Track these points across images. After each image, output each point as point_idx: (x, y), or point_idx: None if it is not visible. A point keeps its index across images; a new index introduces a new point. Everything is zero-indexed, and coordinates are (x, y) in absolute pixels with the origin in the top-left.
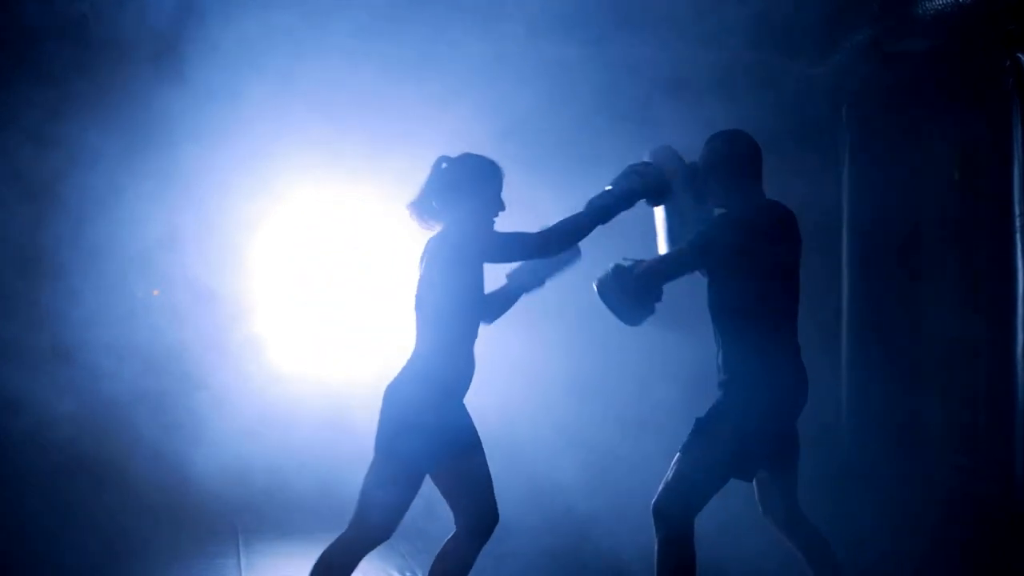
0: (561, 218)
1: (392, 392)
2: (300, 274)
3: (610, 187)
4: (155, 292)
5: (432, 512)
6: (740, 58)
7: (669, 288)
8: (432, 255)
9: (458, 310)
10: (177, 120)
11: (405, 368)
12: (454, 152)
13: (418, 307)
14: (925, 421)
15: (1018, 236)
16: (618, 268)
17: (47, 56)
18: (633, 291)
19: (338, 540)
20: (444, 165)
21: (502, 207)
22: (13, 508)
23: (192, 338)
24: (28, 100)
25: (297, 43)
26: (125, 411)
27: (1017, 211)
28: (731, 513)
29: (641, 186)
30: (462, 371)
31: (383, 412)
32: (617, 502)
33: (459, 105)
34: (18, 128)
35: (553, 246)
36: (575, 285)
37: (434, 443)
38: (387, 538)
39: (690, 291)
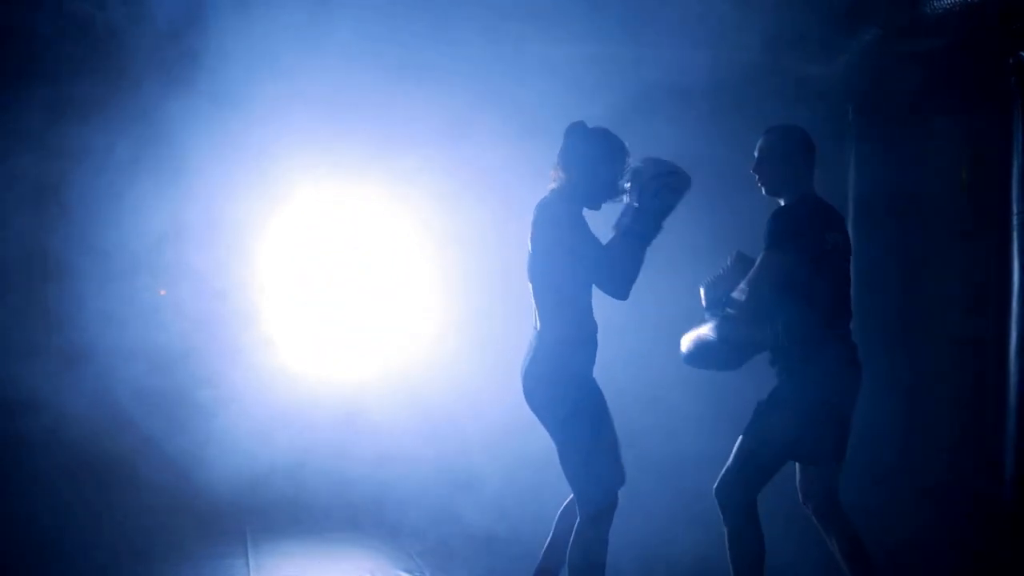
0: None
1: (548, 371)
2: (302, 274)
3: (638, 204)
4: (161, 292)
5: (444, 511)
6: (747, 58)
7: (682, 281)
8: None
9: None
10: (183, 121)
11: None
12: (455, 152)
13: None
14: (922, 417)
15: (1015, 234)
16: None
17: (54, 57)
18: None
19: (580, 535)
20: (587, 134)
21: (613, 194)
22: (22, 508)
23: (199, 338)
24: (35, 102)
25: (301, 43)
26: (133, 411)
27: (1015, 209)
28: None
29: (676, 202)
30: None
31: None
32: (641, 500)
33: (461, 106)
34: (25, 131)
35: (620, 288)
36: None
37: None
38: (616, 502)
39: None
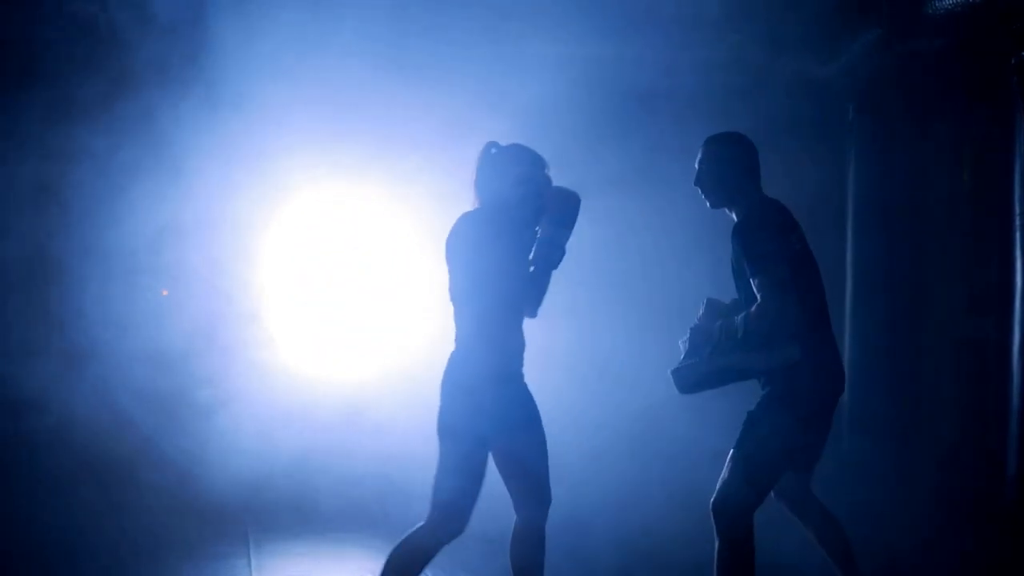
0: None
1: (443, 375)
2: (303, 274)
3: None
4: (164, 292)
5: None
6: (748, 58)
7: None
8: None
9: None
10: (184, 122)
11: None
12: (455, 152)
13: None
14: (924, 417)
15: (1018, 235)
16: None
17: (56, 60)
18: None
19: (412, 535)
20: (493, 151)
21: (533, 208)
22: (25, 508)
23: (200, 338)
24: (37, 104)
25: (302, 44)
26: (134, 412)
27: (1017, 210)
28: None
29: (539, 204)
30: (505, 351)
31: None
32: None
33: (461, 106)
34: (27, 133)
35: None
36: (594, 277)
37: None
38: (462, 529)
39: (707, 282)
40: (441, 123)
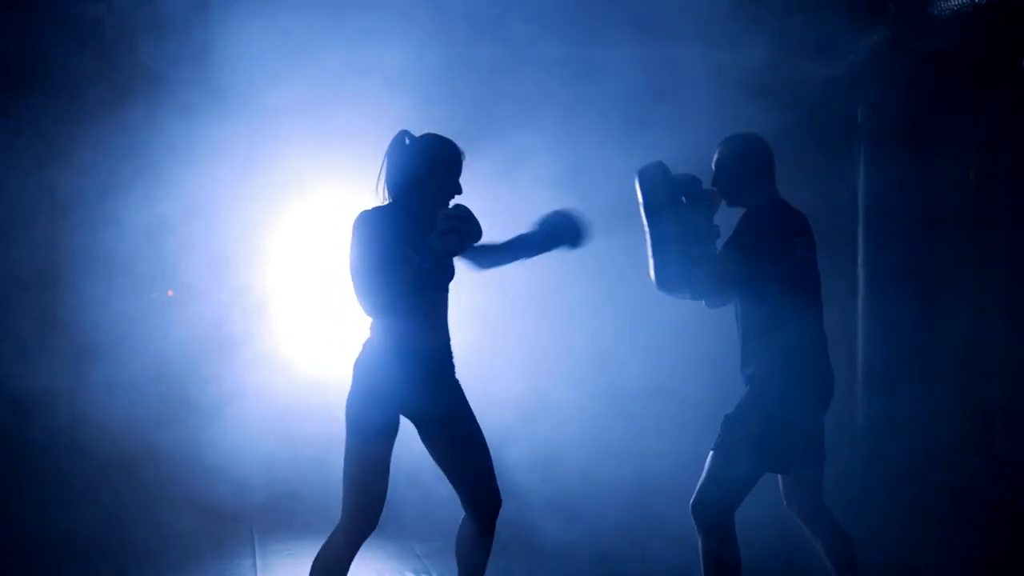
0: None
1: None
2: (308, 274)
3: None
4: (170, 292)
5: (451, 511)
6: (756, 58)
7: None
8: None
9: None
10: (192, 125)
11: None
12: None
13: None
14: (940, 420)
15: None
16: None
17: (61, 63)
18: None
19: (329, 537)
20: (407, 141)
21: (435, 200)
22: (33, 509)
23: (207, 337)
24: (43, 108)
25: (310, 47)
26: (141, 411)
27: None
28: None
29: (460, 250)
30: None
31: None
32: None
33: (461, 106)
34: (35, 136)
35: (374, 310)
36: (588, 279)
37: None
38: (373, 526)
39: None
40: (440, 124)
